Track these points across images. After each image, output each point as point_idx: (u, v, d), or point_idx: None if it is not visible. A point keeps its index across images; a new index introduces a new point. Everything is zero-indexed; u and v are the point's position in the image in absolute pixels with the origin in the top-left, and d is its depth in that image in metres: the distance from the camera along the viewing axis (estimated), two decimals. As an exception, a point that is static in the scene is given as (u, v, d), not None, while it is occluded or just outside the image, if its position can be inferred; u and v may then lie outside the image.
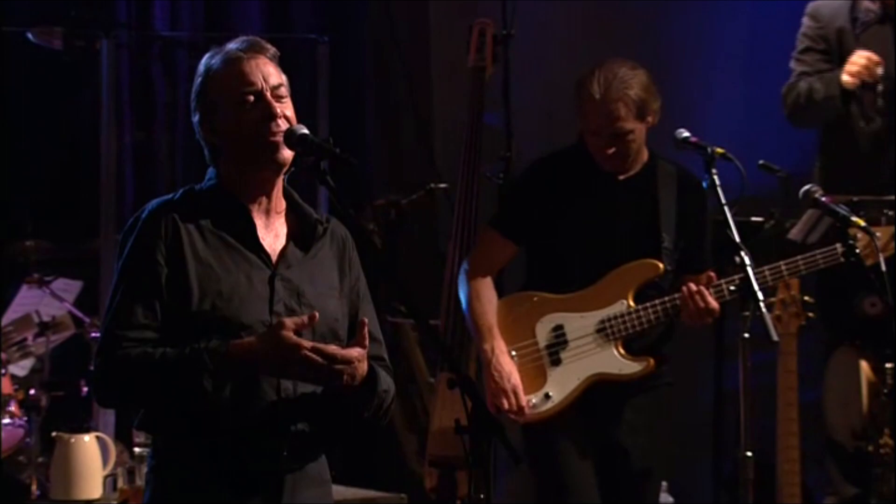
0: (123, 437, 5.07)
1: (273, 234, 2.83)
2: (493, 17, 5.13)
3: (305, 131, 2.77)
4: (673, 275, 3.96)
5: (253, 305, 2.75)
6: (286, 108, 2.79)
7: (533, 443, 3.97)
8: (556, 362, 3.97)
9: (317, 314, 2.71)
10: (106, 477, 4.75)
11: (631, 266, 3.94)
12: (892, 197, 4.71)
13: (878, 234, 3.85)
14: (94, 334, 5.39)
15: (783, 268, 3.91)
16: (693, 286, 3.84)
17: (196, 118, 2.84)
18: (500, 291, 4.13)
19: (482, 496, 3.27)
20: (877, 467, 4.82)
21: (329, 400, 2.76)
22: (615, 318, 3.93)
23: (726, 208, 3.85)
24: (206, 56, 2.84)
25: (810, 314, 4.40)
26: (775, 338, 3.76)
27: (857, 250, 3.75)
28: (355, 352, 2.70)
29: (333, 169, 2.77)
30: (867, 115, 5.05)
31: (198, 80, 2.83)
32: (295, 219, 2.87)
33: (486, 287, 4.03)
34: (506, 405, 3.88)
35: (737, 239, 3.82)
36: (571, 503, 3.90)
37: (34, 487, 5.03)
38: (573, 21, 6.37)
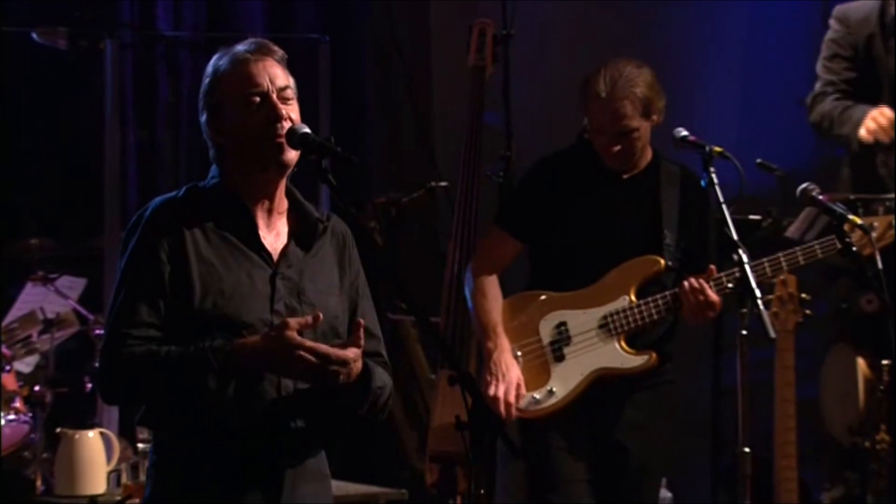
0: (127, 433, 5.07)
1: (274, 234, 2.83)
2: (493, 17, 5.12)
3: (307, 130, 2.77)
4: (676, 273, 3.95)
5: (254, 304, 2.75)
6: (292, 110, 2.79)
7: (528, 441, 3.97)
8: (560, 358, 3.97)
9: (320, 315, 2.71)
10: (110, 472, 4.75)
11: (633, 262, 3.94)
12: (891, 195, 4.70)
13: (875, 223, 3.84)
14: (97, 331, 5.39)
15: (782, 260, 3.91)
16: (693, 280, 3.84)
17: (203, 118, 2.84)
18: (503, 292, 4.12)
19: (482, 491, 3.28)
20: (873, 463, 4.82)
21: (326, 397, 2.76)
22: (617, 313, 3.93)
23: (724, 207, 3.85)
24: (215, 57, 2.85)
25: (807, 311, 4.40)
26: (773, 334, 3.76)
27: (854, 248, 3.75)
28: (351, 352, 2.70)
29: (335, 167, 2.77)
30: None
31: (206, 80, 2.84)
32: (296, 217, 2.87)
33: (491, 285, 4.03)
34: (500, 396, 3.87)
35: (735, 237, 3.82)
36: (558, 503, 3.90)
37: (39, 483, 5.03)
38: (573, 21, 6.36)
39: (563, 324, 3.96)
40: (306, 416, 2.77)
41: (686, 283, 3.84)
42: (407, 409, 5.87)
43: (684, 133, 3.99)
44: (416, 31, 6.82)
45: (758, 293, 3.76)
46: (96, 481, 4.66)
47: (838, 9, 5.17)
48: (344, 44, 6.50)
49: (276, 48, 2.85)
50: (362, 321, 2.75)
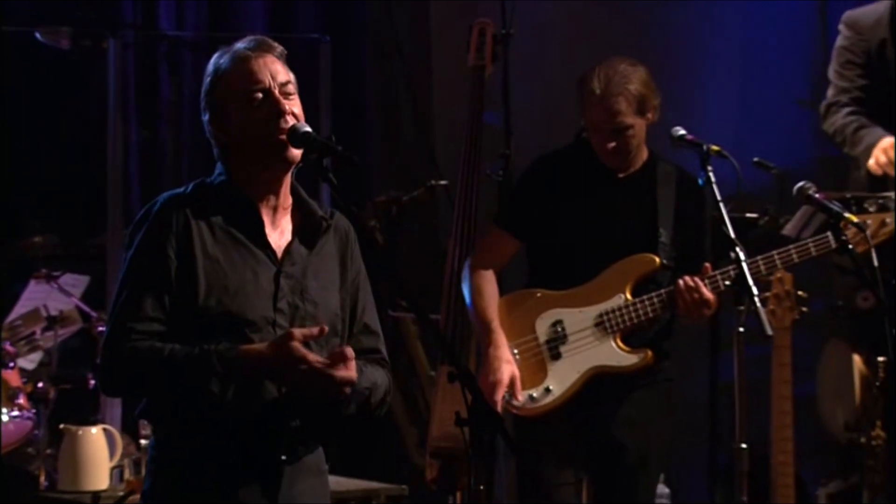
0: (130, 430, 5.08)
1: (279, 231, 2.84)
2: (493, 16, 5.13)
3: (308, 129, 2.77)
4: (672, 272, 3.96)
5: (258, 301, 2.75)
6: (294, 106, 2.79)
7: (518, 441, 3.97)
8: (556, 356, 3.97)
9: (326, 328, 2.72)
10: (113, 468, 4.76)
11: (628, 260, 3.94)
12: (884, 193, 4.70)
13: (868, 221, 3.84)
14: (100, 328, 5.40)
15: (776, 258, 3.92)
16: (688, 278, 3.84)
17: (206, 117, 2.84)
18: (501, 291, 4.12)
19: (482, 487, 3.28)
20: (869, 459, 4.83)
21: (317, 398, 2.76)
22: (613, 311, 3.93)
23: (721, 205, 3.86)
24: (215, 55, 2.84)
25: (804, 308, 4.41)
26: (770, 332, 3.76)
27: (851, 246, 3.75)
28: (353, 374, 2.69)
29: (335, 166, 2.78)
30: None
31: (207, 79, 2.84)
32: (300, 215, 2.87)
33: (488, 283, 4.03)
34: (496, 396, 3.88)
35: (732, 235, 3.82)
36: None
37: (42, 478, 5.04)
38: (572, 21, 6.37)
39: (560, 322, 3.96)
40: (305, 414, 2.77)
41: (681, 282, 3.85)
42: (407, 406, 5.88)
43: (682, 132, 4.00)
44: (416, 31, 6.83)
45: (755, 291, 3.76)
46: (99, 477, 4.67)
47: (848, 15, 5.14)
48: (344, 43, 6.51)
49: (275, 44, 2.84)
50: (348, 351, 2.71)
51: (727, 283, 3.86)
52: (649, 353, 3.93)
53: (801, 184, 3.83)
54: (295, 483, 2.80)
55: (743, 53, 6.29)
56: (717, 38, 6.30)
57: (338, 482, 4.89)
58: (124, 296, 2.74)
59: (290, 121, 2.77)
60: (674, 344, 4.08)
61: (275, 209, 2.83)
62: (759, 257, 3.89)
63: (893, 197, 4.06)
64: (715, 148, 3.94)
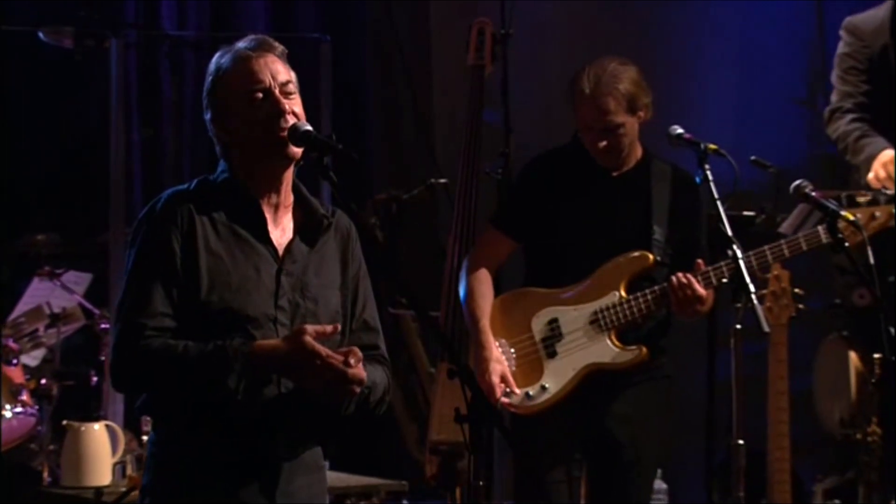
0: (132, 426, 5.08)
1: (280, 229, 2.84)
2: (492, 16, 5.13)
3: (309, 128, 2.77)
4: (668, 269, 3.96)
5: (259, 298, 2.75)
6: (295, 105, 2.80)
7: (513, 440, 3.97)
8: (552, 355, 3.97)
9: (339, 326, 2.73)
10: (115, 464, 4.76)
11: (622, 258, 3.94)
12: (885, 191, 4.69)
13: (858, 214, 3.84)
14: (103, 325, 5.41)
15: (768, 252, 3.92)
16: (680, 275, 3.85)
17: (208, 116, 2.84)
18: (499, 290, 4.13)
19: (481, 483, 3.29)
20: (864, 455, 4.83)
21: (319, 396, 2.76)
22: (608, 308, 3.93)
23: (719, 203, 3.86)
24: (217, 55, 2.85)
25: (801, 306, 4.41)
26: (766, 329, 3.76)
27: (847, 244, 3.75)
28: (363, 372, 2.70)
29: (336, 165, 2.78)
30: None
31: (209, 78, 2.84)
32: (302, 213, 2.87)
33: (482, 283, 4.03)
34: (493, 399, 3.88)
35: (729, 232, 3.82)
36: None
37: (45, 474, 5.04)
38: (570, 21, 6.37)
39: (555, 320, 3.96)
40: (304, 412, 2.78)
41: (673, 278, 3.85)
42: (407, 403, 5.88)
43: (680, 130, 4.00)
44: (417, 31, 6.83)
45: (752, 288, 3.76)
46: (102, 473, 4.67)
47: (849, 21, 5.13)
48: (345, 43, 6.51)
49: (276, 44, 2.85)
50: (357, 352, 2.72)
51: (724, 280, 3.86)
52: (644, 349, 3.93)
53: (797, 182, 3.83)
54: (293, 479, 2.80)
55: (741, 53, 6.29)
56: (715, 38, 6.31)
57: (338, 478, 4.90)
58: (133, 291, 2.73)
59: (291, 120, 2.77)
60: (671, 341, 4.08)
61: (276, 207, 2.83)
62: (750, 252, 3.89)
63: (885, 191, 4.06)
64: (712, 146, 3.94)
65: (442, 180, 5.77)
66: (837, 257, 3.90)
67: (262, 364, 2.68)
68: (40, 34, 5.59)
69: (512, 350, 3.98)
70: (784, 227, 4.60)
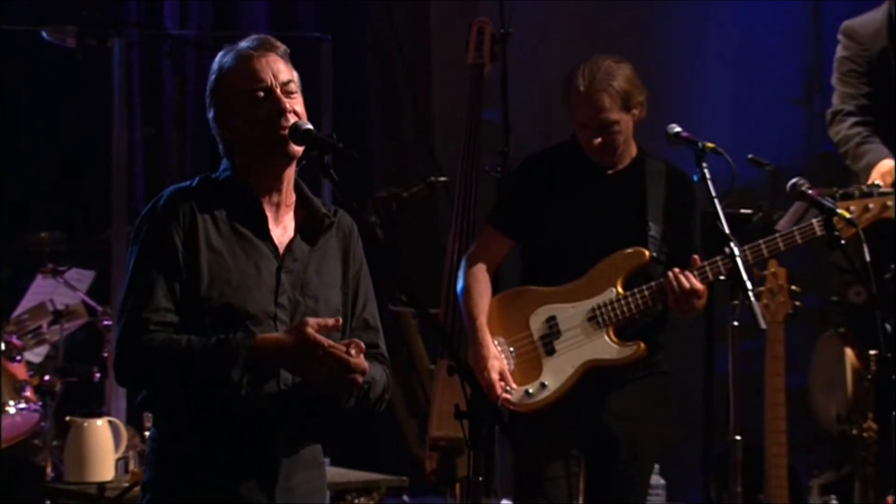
0: (135, 422, 5.09)
1: (282, 227, 2.84)
2: (492, 16, 5.13)
3: (309, 127, 2.78)
4: (663, 266, 3.96)
5: (260, 295, 2.75)
6: (296, 104, 2.80)
7: (512, 437, 3.97)
8: (551, 352, 3.96)
9: (341, 319, 2.72)
10: (118, 460, 4.76)
11: (619, 255, 3.94)
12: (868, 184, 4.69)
13: (851, 207, 3.84)
14: (106, 322, 5.41)
15: (763, 247, 3.91)
16: (677, 270, 3.85)
17: (210, 114, 2.84)
18: (498, 289, 4.12)
19: (480, 479, 3.28)
20: (860, 450, 4.83)
21: (320, 391, 2.76)
22: (605, 305, 3.93)
23: (716, 201, 3.85)
24: (220, 54, 2.85)
25: (797, 303, 4.41)
26: (763, 326, 3.76)
27: (843, 241, 3.75)
28: (364, 362, 2.70)
29: (336, 163, 2.78)
30: None
31: (211, 77, 2.84)
32: (303, 212, 2.87)
33: (479, 281, 4.03)
34: (493, 397, 3.88)
35: (726, 230, 3.82)
36: (538, 500, 3.92)
37: (49, 469, 5.05)
38: (569, 20, 6.37)
39: (553, 318, 3.96)
40: (304, 408, 2.77)
41: (670, 273, 3.85)
42: (407, 399, 5.88)
43: (678, 129, 3.99)
44: (417, 30, 6.83)
45: (749, 285, 3.76)
46: (105, 468, 4.67)
47: (846, 25, 5.11)
48: (345, 42, 6.51)
49: (278, 43, 2.85)
50: (361, 343, 2.72)
51: (720, 276, 3.86)
52: (642, 345, 3.93)
53: (794, 180, 3.83)
54: (292, 476, 2.79)
55: (738, 53, 6.29)
56: (713, 38, 6.31)
57: (339, 473, 4.90)
58: (136, 287, 2.73)
59: (292, 118, 2.77)
60: (669, 338, 4.08)
61: (278, 205, 2.83)
62: (745, 246, 3.89)
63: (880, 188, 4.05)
64: (710, 145, 3.94)
65: (442, 178, 5.78)
66: (835, 256, 3.89)
67: (266, 357, 2.68)
68: (43, 33, 5.59)
69: (510, 348, 3.98)
70: (780, 225, 4.59)
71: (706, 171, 3.91)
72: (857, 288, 4.84)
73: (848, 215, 3.75)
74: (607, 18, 6.30)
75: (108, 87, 5.76)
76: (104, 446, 4.68)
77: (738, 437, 4.19)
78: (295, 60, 2.87)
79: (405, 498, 6.03)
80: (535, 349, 3.97)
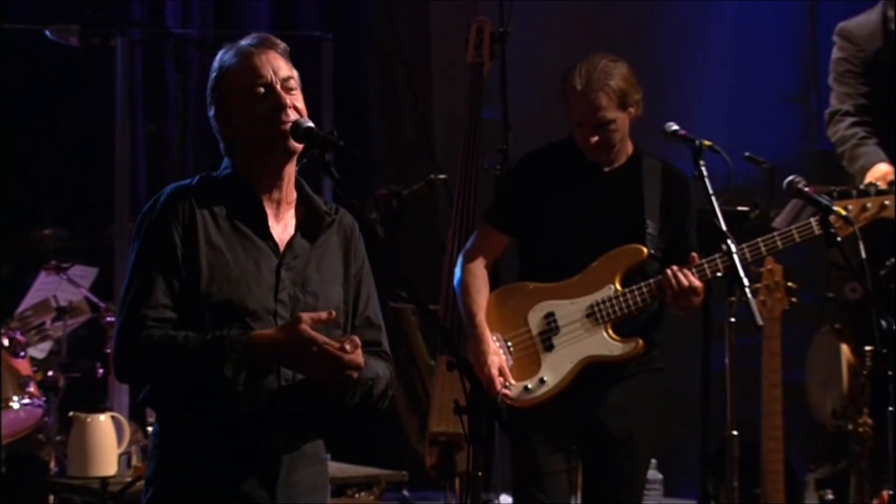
0: (137, 417, 5.09)
1: (282, 225, 2.83)
2: (492, 16, 5.13)
3: (311, 125, 2.77)
4: (660, 263, 3.95)
5: (260, 292, 2.75)
6: (296, 100, 2.79)
7: (511, 433, 3.96)
8: (549, 348, 3.96)
9: (333, 312, 2.72)
10: (121, 455, 4.77)
11: (617, 252, 3.94)
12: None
13: (850, 206, 3.84)
14: (108, 319, 5.41)
15: (761, 245, 3.91)
16: (675, 267, 3.84)
17: (211, 112, 2.84)
18: (497, 284, 4.12)
19: (479, 473, 3.28)
20: (856, 445, 4.83)
21: (322, 386, 2.76)
22: (603, 302, 3.92)
23: (713, 198, 3.85)
24: (220, 52, 2.85)
25: (794, 299, 4.41)
26: (760, 322, 3.75)
27: (839, 238, 3.75)
28: (361, 358, 2.70)
29: (337, 161, 2.77)
30: None
31: (212, 75, 2.84)
32: (304, 210, 2.86)
33: (477, 277, 4.02)
34: (493, 392, 3.87)
35: (723, 227, 3.82)
36: (537, 495, 3.92)
37: (52, 464, 5.05)
38: (567, 20, 6.37)
39: (552, 314, 3.96)
40: (305, 404, 2.77)
41: (669, 271, 3.85)
42: (407, 395, 5.88)
43: (675, 127, 3.99)
44: (417, 30, 6.84)
45: (746, 282, 3.75)
46: (108, 463, 4.67)
47: (841, 27, 5.10)
48: (346, 41, 6.51)
49: (278, 41, 2.85)
50: (357, 341, 2.71)
51: (718, 273, 3.85)
52: (640, 341, 3.93)
53: (790, 178, 3.83)
54: (294, 472, 2.79)
55: (735, 52, 6.29)
56: (711, 37, 6.31)
57: (340, 468, 4.90)
58: (136, 283, 2.73)
59: (292, 114, 2.77)
60: (667, 335, 4.07)
61: (279, 203, 2.82)
62: (744, 245, 3.88)
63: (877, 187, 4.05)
64: (707, 143, 3.93)
65: (441, 176, 5.77)
66: (832, 253, 3.89)
67: (260, 353, 2.68)
68: (47, 32, 5.59)
69: (509, 344, 3.97)
70: (777, 222, 4.60)
71: (703, 168, 3.90)
72: (853, 284, 4.84)
73: (844, 213, 3.75)
74: (605, 18, 6.30)
75: (111, 86, 5.76)
76: (107, 441, 4.68)
77: (734, 433, 4.19)
78: (296, 59, 2.87)
79: (405, 492, 6.03)
80: (534, 345, 3.96)
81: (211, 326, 2.70)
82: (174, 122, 6.37)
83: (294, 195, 2.85)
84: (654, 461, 4.97)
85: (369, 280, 2.92)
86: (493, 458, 5.18)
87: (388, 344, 2.95)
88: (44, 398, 5.14)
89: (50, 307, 5.33)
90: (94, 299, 5.49)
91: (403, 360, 5.78)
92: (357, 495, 4.81)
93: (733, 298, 4.04)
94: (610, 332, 3.93)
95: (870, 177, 4.75)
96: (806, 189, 3.79)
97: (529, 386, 3.93)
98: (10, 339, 5.08)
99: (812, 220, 3.82)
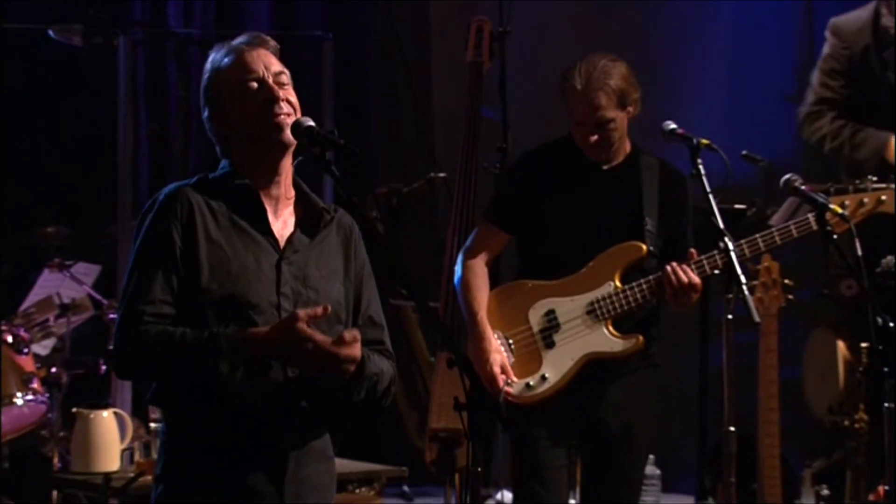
0: (140, 413, 5.09)
1: (282, 221, 2.83)
2: (492, 15, 5.13)
3: (311, 123, 2.77)
4: (658, 260, 3.96)
5: (261, 286, 2.75)
6: (289, 94, 2.80)
7: (512, 429, 3.97)
8: (550, 345, 3.96)
9: (329, 307, 2.71)
10: (123, 450, 4.76)
11: (616, 249, 3.94)
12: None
13: (846, 202, 3.84)
14: (112, 315, 5.41)
15: (759, 241, 3.91)
16: (675, 264, 3.85)
17: (206, 114, 2.84)
18: (497, 282, 4.12)
19: (479, 469, 3.29)
20: (852, 441, 4.84)
21: (327, 383, 2.76)
22: (603, 298, 3.93)
23: (711, 196, 3.85)
24: (212, 52, 2.85)
25: (790, 296, 4.41)
26: (757, 319, 3.76)
27: (836, 236, 3.75)
28: (357, 352, 2.70)
29: (338, 159, 2.78)
30: None
31: (205, 75, 2.85)
32: (303, 208, 2.86)
33: (477, 275, 4.02)
34: (494, 390, 3.88)
35: (721, 225, 3.82)
36: (538, 490, 3.92)
37: (56, 460, 5.05)
38: (566, 20, 6.38)
39: (552, 311, 3.96)
40: (311, 400, 2.77)
41: (668, 268, 3.85)
42: (407, 391, 5.89)
43: (673, 126, 3.99)
44: (417, 29, 6.84)
45: (743, 279, 3.76)
46: (110, 459, 4.67)
47: (833, 22, 5.09)
48: (347, 41, 6.51)
49: (269, 39, 2.85)
50: (357, 335, 2.71)
51: (716, 270, 3.86)
52: (640, 338, 3.93)
53: (787, 176, 3.83)
54: (302, 468, 2.79)
55: (733, 51, 6.30)
56: (708, 36, 6.31)
57: (340, 464, 4.85)
58: (134, 280, 2.74)
59: (285, 107, 2.77)
60: (665, 331, 4.08)
61: (277, 200, 2.82)
62: (742, 241, 3.89)
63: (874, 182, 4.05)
64: (705, 141, 3.94)
65: (441, 175, 5.78)
66: (830, 250, 3.90)
67: (256, 350, 2.68)
68: (50, 32, 5.59)
69: (510, 342, 3.97)
70: (774, 220, 4.60)
71: (701, 167, 3.91)
72: (849, 282, 4.84)
73: (840, 210, 3.75)
74: (604, 17, 6.31)
75: (114, 85, 5.76)
76: (110, 437, 4.68)
77: (731, 429, 4.20)
78: (296, 59, 2.88)
79: (405, 488, 6.04)
80: (535, 342, 3.96)
81: (214, 322, 2.70)
82: (176, 121, 6.37)
83: (292, 192, 2.85)
84: (651, 457, 4.98)
85: (371, 280, 2.92)
86: (493, 454, 5.19)
87: (389, 341, 2.95)
88: (47, 394, 5.14)
89: (53, 304, 5.32)
90: (97, 296, 5.50)
91: (404, 357, 5.78)
92: (357, 491, 4.81)
93: (730, 295, 4.06)
94: (610, 328, 3.93)
95: (889, 153, 4.72)
96: (802, 187, 3.79)
97: (531, 383, 3.93)
98: (14, 336, 5.08)
99: (810, 215, 3.82)
